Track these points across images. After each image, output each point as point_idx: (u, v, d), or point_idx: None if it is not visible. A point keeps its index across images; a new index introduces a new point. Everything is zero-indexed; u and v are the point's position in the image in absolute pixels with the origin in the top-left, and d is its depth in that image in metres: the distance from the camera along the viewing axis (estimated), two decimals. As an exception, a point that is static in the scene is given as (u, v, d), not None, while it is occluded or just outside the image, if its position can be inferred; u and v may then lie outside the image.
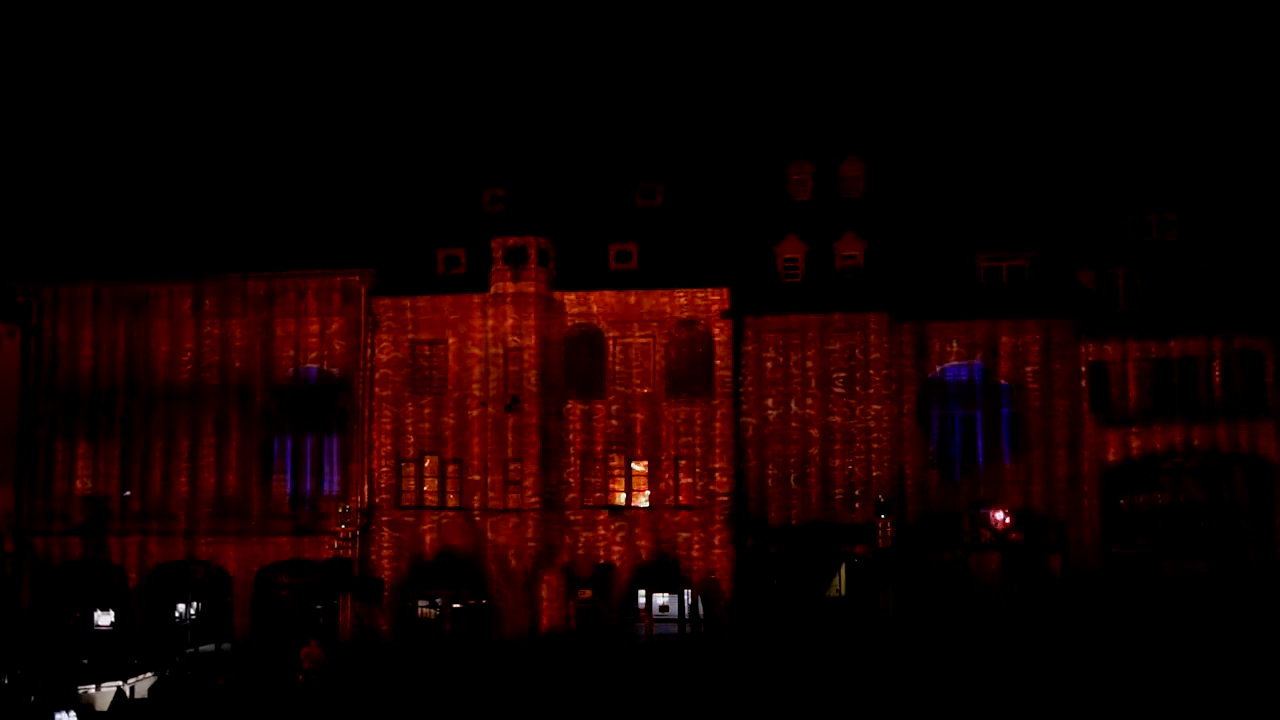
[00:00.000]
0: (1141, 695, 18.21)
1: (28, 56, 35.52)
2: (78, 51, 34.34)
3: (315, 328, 27.99)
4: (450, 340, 27.48)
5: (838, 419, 25.87)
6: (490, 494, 26.52)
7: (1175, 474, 26.08)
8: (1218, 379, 25.46)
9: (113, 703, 18.20)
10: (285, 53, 30.97)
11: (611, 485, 26.88)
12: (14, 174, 30.19)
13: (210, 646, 26.96)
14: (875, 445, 25.59)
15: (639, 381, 26.74)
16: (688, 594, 26.61)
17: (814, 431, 26.04)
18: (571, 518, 26.63)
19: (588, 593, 26.69)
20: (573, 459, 26.62)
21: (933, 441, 26.37)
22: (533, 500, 26.29)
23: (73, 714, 17.36)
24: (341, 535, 26.41)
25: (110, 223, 29.36)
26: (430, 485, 27.12)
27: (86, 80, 31.78)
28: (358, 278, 27.90)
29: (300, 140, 29.36)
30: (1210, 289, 25.62)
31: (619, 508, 26.54)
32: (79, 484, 28.23)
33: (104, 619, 27.83)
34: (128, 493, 27.96)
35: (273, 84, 30.31)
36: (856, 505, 25.60)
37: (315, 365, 27.97)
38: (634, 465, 26.83)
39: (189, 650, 26.00)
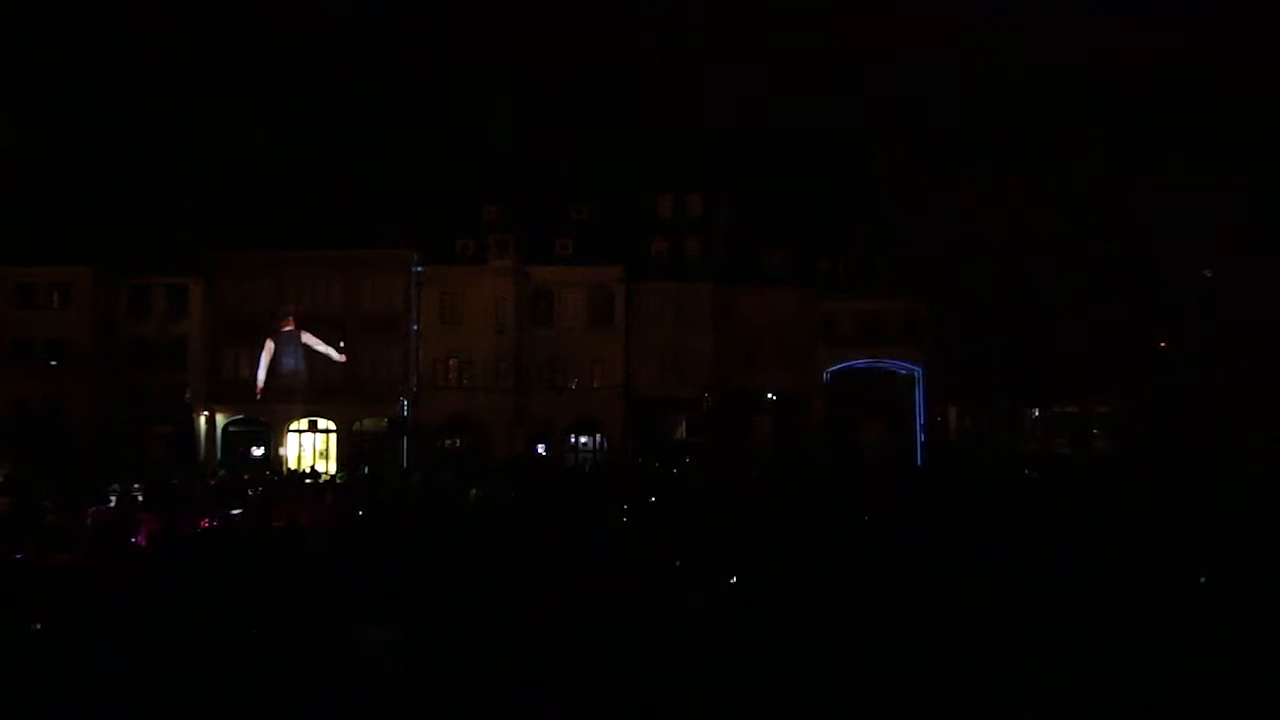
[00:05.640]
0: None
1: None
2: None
3: (384, 282, 47.67)
4: (463, 292, 47.44)
5: (680, 339, 46.60)
6: (486, 380, 46.82)
7: (865, 374, 47.27)
8: (886, 324, 46.56)
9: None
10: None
11: (556, 377, 47.40)
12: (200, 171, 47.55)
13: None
14: (701, 352, 46.41)
15: (572, 319, 47.13)
16: (599, 436, 47.36)
17: (666, 346, 46.77)
18: (535, 394, 47.02)
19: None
20: (537, 361, 46.95)
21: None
22: (509, 384, 46.59)
23: None
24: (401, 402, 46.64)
25: (258, 210, 47.38)
26: (452, 374, 47.42)
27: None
28: (408, 254, 47.52)
29: (378, 172, 47.92)
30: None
31: (561, 388, 47.06)
32: (241, 373, 47.68)
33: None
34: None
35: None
36: (691, 387, 46.31)
37: (383, 304, 47.64)
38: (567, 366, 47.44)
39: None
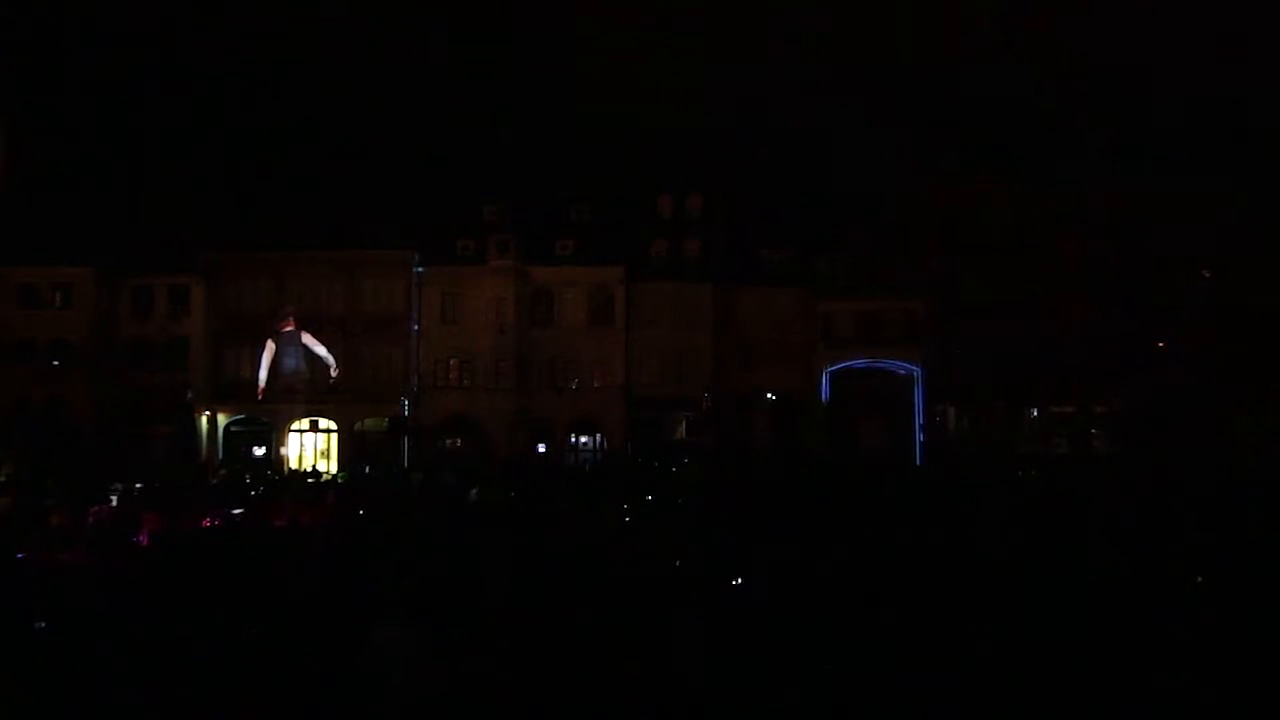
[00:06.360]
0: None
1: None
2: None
3: (385, 282, 47.85)
4: (464, 293, 47.59)
5: (680, 339, 46.73)
6: (487, 380, 46.98)
7: (864, 374, 47.41)
8: (885, 324, 46.69)
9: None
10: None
11: (556, 377, 47.54)
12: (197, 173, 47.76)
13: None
14: (700, 352, 46.57)
15: (572, 319, 47.28)
16: (599, 436, 47.50)
17: (665, 346, 46.91)
18: (536, 394, 47.17)
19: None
20: (537, 361, 47.12)
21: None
22: (510, 384, 46.74)
23: None
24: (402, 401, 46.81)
25: (258, 210, 47.52)
26: (453, 374, 47.58)
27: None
28: (409, 254, 47.67)
29: (378, 172, 48.09)
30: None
31: (561, 388, 47.19)
32: (242, 373, 47.75)
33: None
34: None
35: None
36: (691, 386, 46.40)
37: (384, 304, 47.82)
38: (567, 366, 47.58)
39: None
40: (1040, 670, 8.68)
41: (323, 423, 47.78)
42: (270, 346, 44.87)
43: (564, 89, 54.46)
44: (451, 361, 47.49)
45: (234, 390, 46.98)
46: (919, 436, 46.36)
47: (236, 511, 20.52)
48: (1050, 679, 8.57)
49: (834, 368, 46.96)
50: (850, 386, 46.99)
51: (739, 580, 12.03)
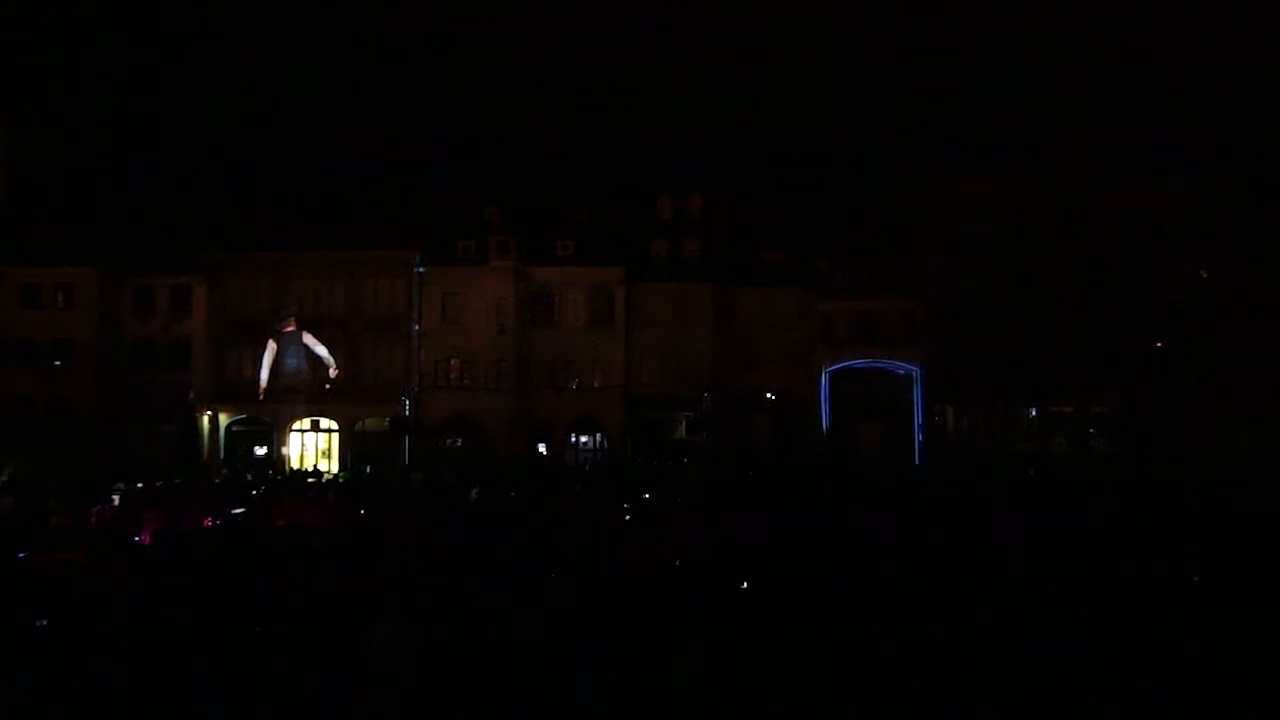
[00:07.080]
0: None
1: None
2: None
3: (386, 283, 47.97)
4: (465, 293, 47.69)
5: (680, 339, 46.84)
6: (487, 380, 47.08)
7: (863, 374, 47.47)
8: (884, 324, 46.72)
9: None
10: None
11: (556, 377, 47.62)
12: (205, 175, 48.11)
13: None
14: (700, 353, 46.64)
15: (572, 319, 47.39)
16: (599, 436, 47.59)
17: (665, 346, 46.98)
18: (536, 394, 47.27)
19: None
20: (537, 361, 47.21)
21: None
22: (510, 384, 46.82)
23: None
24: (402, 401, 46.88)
25: (259, 210, 47.54)
26: (454, 374, 47.68)
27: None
28: (410, 254, 47.78)
29: (379, 172, 48.18)
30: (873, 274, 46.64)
31: (562, 388, 47.27)
32: (244, 373, 47.77)
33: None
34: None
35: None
36: (691, 387, 46.48)
37: (386, 305, 47.95)
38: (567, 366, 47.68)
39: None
40: (1039, 669, 8.76)
41: (324, 422, 47.88)
42: (272, 346, 44.78)
43: (564, 90, 54.50)
44: (452, 361, 47.60)
45: (235, 390, 46.98)
46: (918, 436, 46.44)
47: (238, 511, 20.61)
48: (1049, 678, 8.65)
49: (833, 367, 47.02)
50: (850, 386, 47.05)
51: (745, 584, 12.05)
